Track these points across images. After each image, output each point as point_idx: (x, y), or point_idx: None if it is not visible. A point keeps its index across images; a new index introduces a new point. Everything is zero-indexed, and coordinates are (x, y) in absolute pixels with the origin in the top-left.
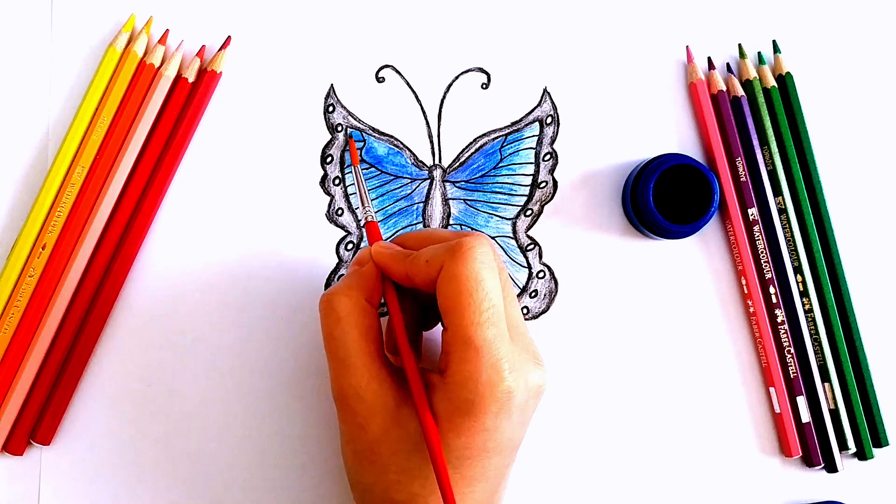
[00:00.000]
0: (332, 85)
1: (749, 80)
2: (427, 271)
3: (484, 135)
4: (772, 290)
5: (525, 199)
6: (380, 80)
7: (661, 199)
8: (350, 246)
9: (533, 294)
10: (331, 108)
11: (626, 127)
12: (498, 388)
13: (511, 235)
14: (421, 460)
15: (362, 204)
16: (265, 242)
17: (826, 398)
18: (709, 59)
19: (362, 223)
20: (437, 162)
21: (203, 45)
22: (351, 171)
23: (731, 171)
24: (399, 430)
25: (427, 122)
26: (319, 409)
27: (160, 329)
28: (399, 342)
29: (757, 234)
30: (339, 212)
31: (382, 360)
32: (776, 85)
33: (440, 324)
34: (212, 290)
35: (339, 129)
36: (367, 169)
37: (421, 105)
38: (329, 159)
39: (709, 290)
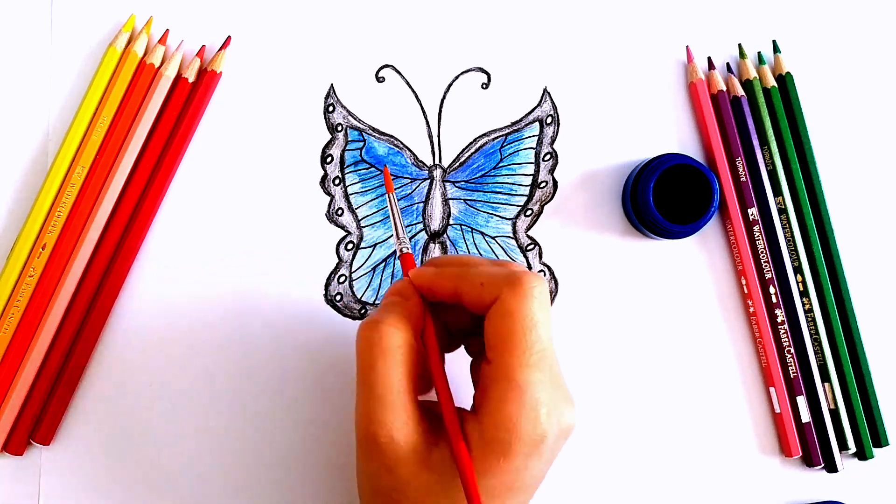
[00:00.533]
0: (332, 85)
1: (749, 80)
2: (480, 294)
3: (484, 135)
4: (772, 290)
5: (525, 199)
6: (380, 80)
7: (661, 199)
8: (350, 246)
9: None
10: (331, 108)
11: (626, 127)
12: (534, 432)
13: (511, 235)
14: (447, 500)
15: (397, 235)
16: (265, 242)
17: (826, 398)
18: (709, 59)
19: (397, 255)
20: (437, 162)
21: (203, 45)
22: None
23: (731, 171)
24: (428, 474)
25: (427, 122)
26: (320, 409)
27: (160, 329)
28: (436, 379)
29: (757, 234)
30: (339, 212)
31: (416, 400)
32: (776, 85)
33: (473, 347)
34: (211, 289)
35: (339, 128)
36: (367, 169)
37: (421, 105)
38: (329, 159)
39: (709, 290)
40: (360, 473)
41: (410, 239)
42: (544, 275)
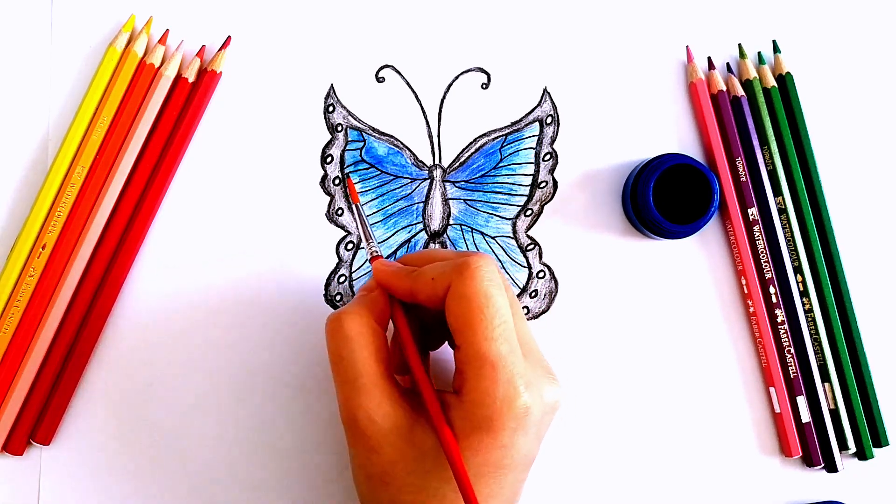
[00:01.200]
0: (332, 85)
1: (749, 80)
2: (433, 288)
3: (484, 135)
4: (772, 290)
5: (525, 199)
6: (380, 80)
7: (661, 199)
8: (350, 246)
9: (533, 294)
10: (331, 108)
11: (626, 127)
12: (515, 404)
13: (511, 235)
14: (437, 480)
15: (366, 240)
16: (265, 242)
17: (826, 398)
18: (709, 59)
19: (368, 258)
20: (437, 162)
21: (203, 45)
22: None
23: (731, 171)
24: (414, 451)
25: (427, 122)
26: (320, 409)
27: (160, 329)
28: (410, 360)
29: (757, 234)
30: (339, 212)
31: (392, 380)
32: (776, 85)
33: (447, 344)
34: (212, 289)
35: (339, 128)
36: (367, 169)
37: (421, 105)
38: (329, 159)
39: (709, 290)
40: (352, 462)
41: (410, 240)
42: (544, 275)
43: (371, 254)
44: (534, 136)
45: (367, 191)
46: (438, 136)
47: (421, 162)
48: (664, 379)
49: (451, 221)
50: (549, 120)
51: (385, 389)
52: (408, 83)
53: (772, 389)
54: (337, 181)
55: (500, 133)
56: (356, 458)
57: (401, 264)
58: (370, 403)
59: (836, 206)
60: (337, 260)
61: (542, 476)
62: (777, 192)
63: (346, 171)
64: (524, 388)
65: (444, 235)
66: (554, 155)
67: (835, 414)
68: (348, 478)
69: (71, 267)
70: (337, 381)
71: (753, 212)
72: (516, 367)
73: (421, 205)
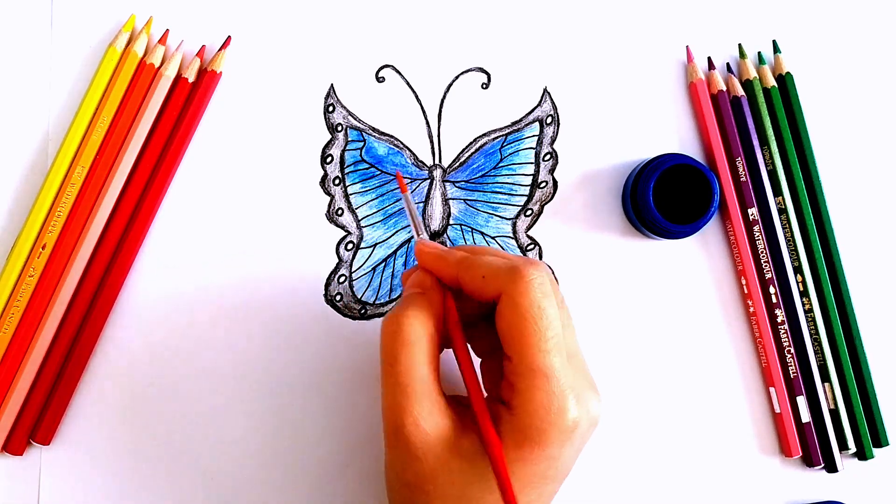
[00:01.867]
0: (332, 85)
1: (749, 80)
2: (482, 286)
3: (484, 135)
4: (772, 290)
5: (525, 199)
6: (380, 80)
7: (661, 199)
8: (350, 246)
9: None
10: (331, 108)
11: (626, 127)
12: (567, 417)
13: (511, 235)
14: (479, 490)
15: (416, 230)
16: (265, 242)
17: (826, 398)
18: (709, 59)
19: (413, 244)
20: (437, 162)
21: (203, 45)
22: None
23: (731, 171)
24: (458, 462)
25: (427, 122)
26: (320, 409)
27: (160, 329)
28: (464, 368)
29: (757, 234)
30: (339, 212)
31: (441, 389)
32: (776, 85)
33: (477, 344)
34: (212, 290)
35: (339, 128)
36: (367, 169)
37: (421, 105)
38: (329, 159)
39: (709, 290)
40: (389, 466)
41: (410, 240)
42: None
43: (418, 236)
44: (534, 136)
45: (367, 191)
46: (438, 136)
47: (421, 162)
48: (664, 379)
49: (451, 221)
50: (549, 120)
51: (435, 398)
52: (408, 83)
53: (772, 389)
54: (337, 181)
55: (500, 133)
56: (395, 464)
57: (444, 247)
58: (421, 411)
59: (836, 206)
60: (337, 260)
61: None
62: (777, 192)
63: (346, 170)
64: (575, 402)
65: (444, 235)
66: (554, 155)
67: (835, 414)
68: (347, 478)
69: (71, 267)
70: (388, 382)
71: (753, 212)
72: (568, 379)
73: (421, 205)
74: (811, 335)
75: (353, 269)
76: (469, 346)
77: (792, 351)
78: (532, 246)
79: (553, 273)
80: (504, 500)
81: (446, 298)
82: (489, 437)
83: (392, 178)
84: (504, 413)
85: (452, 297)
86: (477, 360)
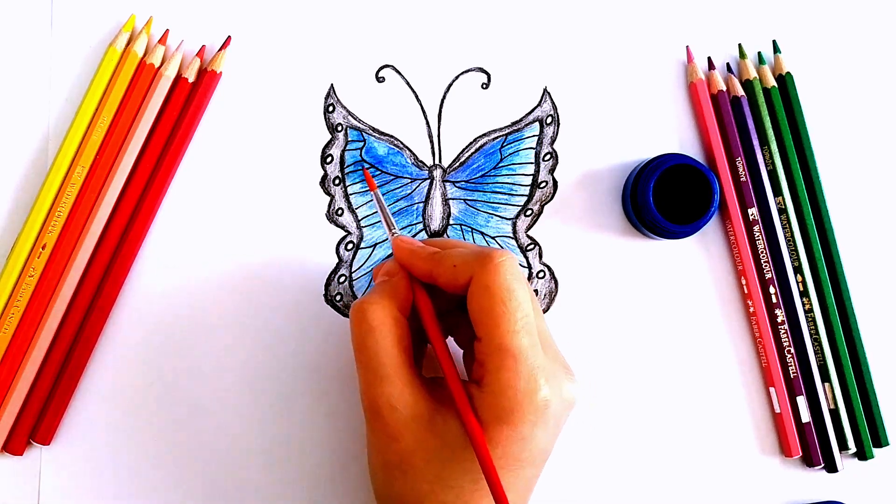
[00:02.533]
0: (332, 85)
1: (749, 80)
2: (453, 275)
3: (484, 135)
4: (772, 290)
5: (525, 199)
6: (380, 80)
7: (661, 199)
8: (350, 246)
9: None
10: (331, 108)
11: (626, 127)
12: (536, 397)
13: (511, 235)
14: (456, 470)
15: (388, 227)
16: (265, 242)
17: (826, 398)
18: (709, 59)
19: (389, 240)
20: (437, 162)
21: (203, 45)
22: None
23: (731, 171)
24: (434, 440)
25: (427, 122)
26: (320, 408)
27: (160, 329)
28: (436, 347)
29: (757, 234)
30: (339, 212)
31: (414, 370)
32: (776, 85)
33: (459, 335)
34: (211, 290)
35: (339, 128)
36: (367, 169)
37: (421, 105)
38: (329, 159)
39: (709, 290)
40: (370, 450)
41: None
42: (544, 275)
43: (392, 235)
44: (534, 136)
45: (367, 191)
46: (438, 136)
47: (421, 162)
48: (664, 379)
49: (451, 221)
50: (549, 120)
51: (407, 378)
52: (408, 83)
53: (772, 389)
54: (337, 181)
55: (500, 133)
56: (374, 446)
57: (421, 243)
58: (392, 391)
59: (836, 206)
60: (337, 260)
61: (543, 475)
62: (777, 192)
63: (347, 170)
64: (545, 382)
65: (444, 235)
66: (554, 155)
67: (835, 414)
68: (350, 476)
69: (71, 267)
70: (360, 368)
71: (753, 212)
72: (537, 360)
73: (421, 205)
74: (811, 335)
75: (353, 269)
76: (452, 337)
77: (792, 351)
78: (532, 246)
79: (553, 274)
80: (489, 482)
81: (415, 287)
82: (468, 418)
83: (392, 178)
84: (475, 392)
85: (423, 288)
86: (460, 352)
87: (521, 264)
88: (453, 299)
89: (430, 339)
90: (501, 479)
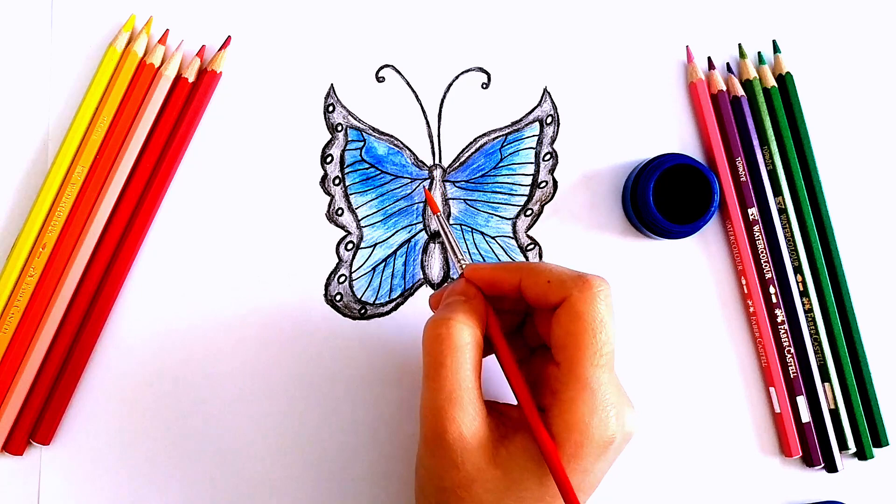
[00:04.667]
0: (332, 85)
1: (749, 80)
2: (546, 290)
3: (484, 135)
4: (772, 290)
5: (525, 198)
6: (380, 80)
7: (661, 199)
8: (350, 246)
9: None
10: (331, 108)
11: (626, 127)
12: (605, 434)
13: (511, 235)
14: (513, 499)
15: (455, 255)
16: (265, 242)
17: (826, 398)
18: (709, 59)
19: (458, 273)
20: (437, 162)
21: (203, 45)
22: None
23: (731, 171)
24: (496, 471)
25: (427, 122)
26: (319, 409)
27: (159, 329)
28: (511, 374)
29: (757, 234)
30: (339, 212)
31: (482, 397)
32: (776, 85)
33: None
34: (211, 289)
35: (339, 128)
36: (367, 169)
37: (421, 105)
38: (329, 159)
39: (709, 290)
40: (425, 471)
41: (410, 240)
42: None
43: (461, 268)
44: (534, 136)
45: (367, 191)
46: (438, 135)
47: (421, 162)
48: (664, 379)
49: (451, 221)
50: (549, 120)
51: (478, 406)
52: (408, 83)
53: (772, 389)
54: (337, 181)
55: (500, 133)
56: (431, 470)
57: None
58: (465, 418)
59: (836, 206)
60: (337, 260)
61: None
62: (777, 192)
63: (346, 170)
64: (615, 420)
65: None
66: (554, 155)
67: (835, 414)
68: (350, 476)
69: (71, 267)
70: (432, 387)
71: (753, 212)
72: (612, 397)
73: (421, 205)
74: (811, 335)
75: (353, 269)
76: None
77: (792, 351)
78: (532, 246)
79: None
80: (566, 501)
81: (489, 312)
82: (545, 444)
83: (392, 178)
84: (543, 419)
85: (494, 311)
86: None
87: None
88: (514, 322)
89: (503, 364)
90: None
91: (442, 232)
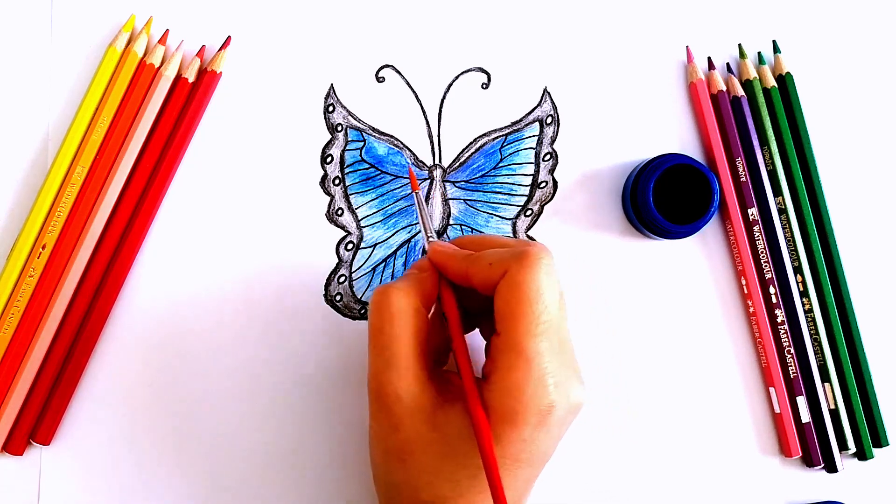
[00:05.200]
0: (332, 85)
1: (749, 80)
2: (489, 273)
3: (484, 135)
4: (772, 290)
5: (525, 199)
6: (380, 80)
7: (661, 199)
8: (350, 246)
9: None
10: (331, 108)
11: (626, 127)
12: (542, 402)
13: (511, 235)
14: (453, 464)
15: (424, 228)
16: (265, 242)
17: (826, 398)
18: (709, 59)
19: (426, 248)
20: (437, 162)
21: (203, 45)
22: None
23: (731, 171)
24: (434, 433)
25: (427, 122)
26: (319, 408)
27: (160, 329)
28: (456, 341)
29: (757, 234)
30: (339, 212)
31: (425, 362)
32: (776, 85)
33: (485, 331)
34: (211, 289)
35: (339, 128)
36: (367, 169)
37: (421, 105)
38: (329, 159)
39: (709, 290)
40: (372, 437)
41: (410, 240)
42: None
43: (428, 241)
44: (534, 136)
45: (367, 191)
46: (438, 136)
47: (421, 162)
48: (664, 379)
49: (451, 222)
50: (549, 120)
51: (416, 370)
52: (408, 83)
53: (772, 389)
54: (337, 181)
55: (500, 133)
56: (376, 433)
57: (456, 246)
58: (400, 381)
59: (836, 206)
60: (337, 260)
61: (542, 474)
62: (777, 192)
63: (346, 170)
64: (553, 388)
65: (445, 235)
66: (554, 155)
67: (835, 414)
68: (347, 477)
69: (71, 267)
70: (372, 352)
71: (753, 212)
72: (550, 365)
73: None
74: (811, 335)
75: (353, 269)
76: (481, 333)
77: (792, 351)
78: None
79: None
80: (489, 479)
81: (442, 283)
82: (477, 416)
83: (392, 178)
84: (483, 388)
85: (449, 285)
86: (480, 348)
87: None
88: (485, 301)
89: (450, 332)
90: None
91: (417, 210)
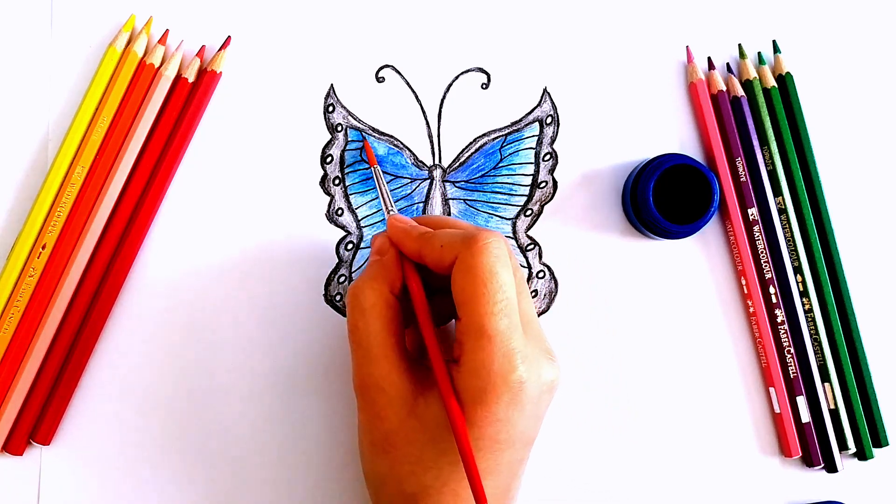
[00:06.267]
0: (332, 85)
1: (749, 80)
2: (440, 255)
3: (484, 135)
4: (772, 290)
5: (525, 199)
6: (380, 80)
7: (661, 199)
8: (350, 246)
9: (533, 294)
10: (331, 108)
11: (626, 127)
12: (510, 378)
13: (511, 235)
14: (435, 452)
15: (384, 202)
16: (265, 243)
17: (826, 398)
18: (709, 59)
19: (385, 218)
20: (437, 162)
21: (203, 45)
22: (356, 171)
23: (731, 171)
24: (415, 421)
25: (427, 122)
26: (320, 407)
27: (160, 329)
28: (423, 326)
29: (757, 234)
30: (339, 212)
31: (402, 351)
32: (776, 85)
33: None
34: (211, 290)
35: (339, 128)
36: (366, 169)
37: (421, 105)
38: (329, 159)
39: (709, 290)
40: (359, 429)
41: None
42: (544, 275)
43: (389, 215)
44: (534, 136)
45: (367, 191)
46: (438, 136)
47: (421, 162)
48: (664, 379)
49: None
50: (549, 120)
51: (394, 360)
52: (408, 83)
53: (772, 389)
54: (337, 181)
55: (500, 133)
56: (363, 424)
57: (415, 222)
58: (380, 372)
59: (836, 206)
60: (337, 260)
61: (542, 474)
62: (777, 192)
63: (346, 171)
64: (520, 363)
65: None
66: (554, 155)
67: (835, 414)
68: (346, 477)
69: (71, 267)
70: (352, 348)
71: (753, 212)
72: (514, 342)
73: (421, 205)
74: (811, 335)
75: (353, 270)
76: (451, 318)
77: (792, 351)
78: (532, 246)
79: (553, 274)
80: (464, 462)
81: (406, 265)
82: (449, 401)
83: (392, 178)
84: (454, 372)
85: (413, 267)
86: (453, 331)
87: (521, 265)
88: (446, 279)
89: (418, 319)
90: (481, 462)
91: (377, 184)
